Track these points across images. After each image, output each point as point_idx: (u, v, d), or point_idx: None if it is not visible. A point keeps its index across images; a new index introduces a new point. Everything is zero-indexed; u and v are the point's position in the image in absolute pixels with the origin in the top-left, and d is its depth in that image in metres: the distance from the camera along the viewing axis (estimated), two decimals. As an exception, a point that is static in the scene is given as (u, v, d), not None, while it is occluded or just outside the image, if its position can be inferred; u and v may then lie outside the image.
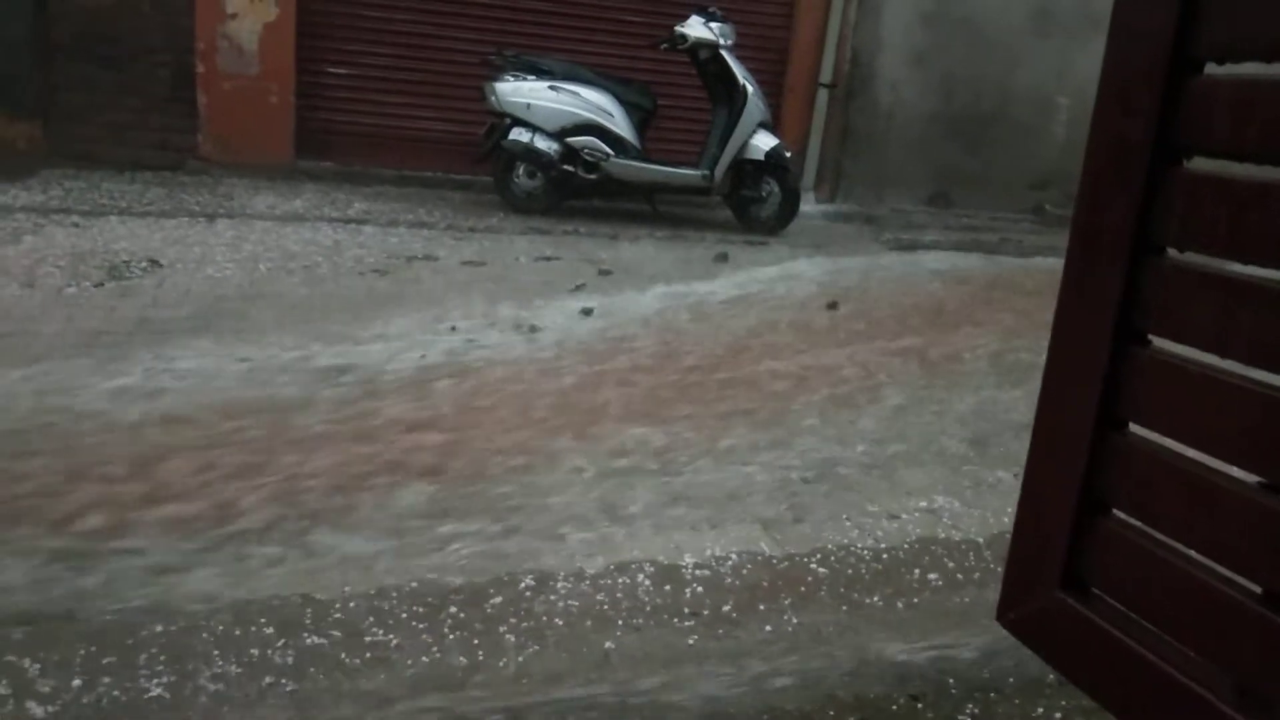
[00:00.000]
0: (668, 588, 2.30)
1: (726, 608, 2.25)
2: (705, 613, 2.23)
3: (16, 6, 5.77)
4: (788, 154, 6.18)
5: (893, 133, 7.25)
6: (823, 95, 7.19)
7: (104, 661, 1.84)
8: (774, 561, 2.46)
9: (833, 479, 2.95)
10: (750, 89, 6.00)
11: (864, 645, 2.14)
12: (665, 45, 5.98)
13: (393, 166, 6.58)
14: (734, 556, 2.46)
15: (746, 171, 6.14)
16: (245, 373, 3.27)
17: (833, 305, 4.65)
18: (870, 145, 7.25)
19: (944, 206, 7.40)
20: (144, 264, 4.32)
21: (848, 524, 2.70)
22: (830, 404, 3.52)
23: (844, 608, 2.32)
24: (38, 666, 1.80)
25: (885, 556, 2.55)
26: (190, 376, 3.20)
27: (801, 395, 3.57)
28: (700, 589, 2.31)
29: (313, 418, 2.99)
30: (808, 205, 6.87)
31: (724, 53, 5.96)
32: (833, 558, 2.50)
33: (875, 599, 2.36)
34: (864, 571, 2.47)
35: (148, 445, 2.72)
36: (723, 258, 5.47)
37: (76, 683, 1.78)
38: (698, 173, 6.05)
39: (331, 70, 6.44)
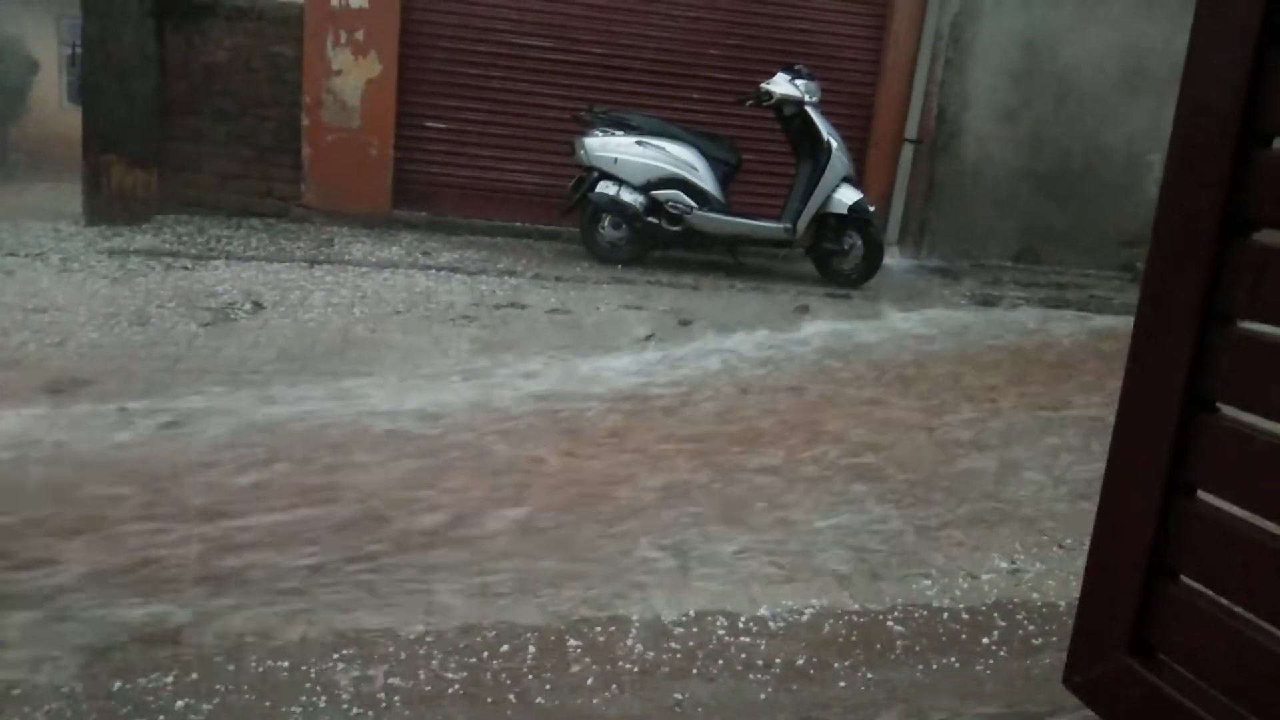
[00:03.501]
0: (743, 639, 2.32)
1: (800, 661, 2.26)
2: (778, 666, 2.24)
3: (139, 64, 6.17)
4: (871, 208, 6.20)
5: (979, 188, 7.23)
6: (908, 150, 7.21)
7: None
8: (850, 617, 2.46)
9: (909, 536, 2.93)
10: (834, 144, 6.06)
11: (937, 705, 2.13)
12: (750, 102, 6.09)
13: (484, 217, 6.80)
14: (809, 610, 2.47)
15: (829, 225, 6.18)
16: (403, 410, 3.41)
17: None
18: (956, 200, 7.23)
19: (1031, 263, 7.32)
20: (248, 306, 4.54)
21: (925, 582, 2.68)
22: (901, 461, 3.50)
23: (919, 666, 2.30)
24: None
25: (964, 616, 2.52)
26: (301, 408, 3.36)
27: (870, 451, 3.56)
28: (775, 642, 2.33)
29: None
30: (891, 259, 6.88)
31: (809, 109, 6.04)
32: (912, 615, 2.49)
33: (951, 659, 2.34)
34: (940, 631, 2.45)
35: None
36: (804, 309, 5.50)
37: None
38: (780, 225, 6.11)
39: (429, 124, 6.71)
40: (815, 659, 2.28)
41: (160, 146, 6.35)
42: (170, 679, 1.96)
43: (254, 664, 2.04)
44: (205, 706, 1.89)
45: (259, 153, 6.50)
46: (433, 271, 5.64)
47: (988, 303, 6.15)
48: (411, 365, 3.98)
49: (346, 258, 5.74)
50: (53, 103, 12.82)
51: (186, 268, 5.18)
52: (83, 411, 3.20)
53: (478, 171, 6.82)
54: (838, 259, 6.25)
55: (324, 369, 3.84)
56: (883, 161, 7.23)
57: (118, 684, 1.93)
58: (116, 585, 2.28)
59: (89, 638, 2.07)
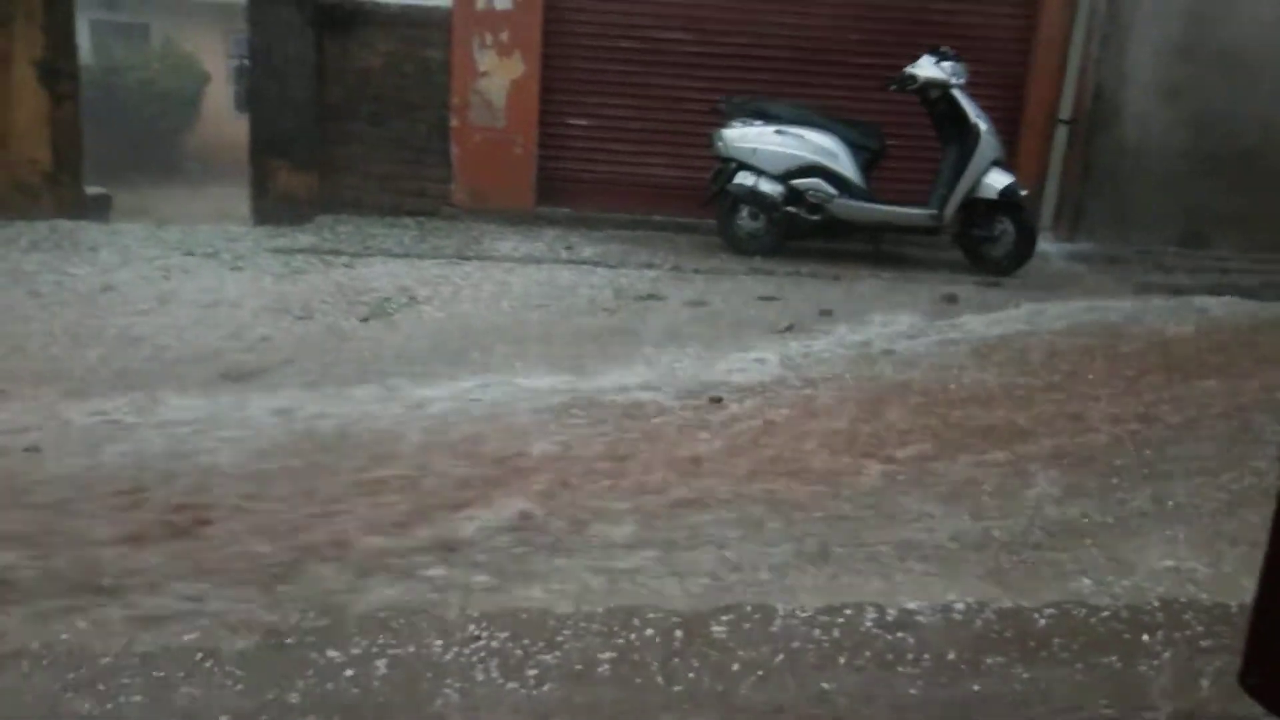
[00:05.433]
0: (892, 633, 2.29)
1: (951, 656, 2.22)
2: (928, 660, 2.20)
3: (300, 72, 6.52)
4: (1023, 192, 5.98)
5: (1139, 170, 6.86)
6: (1062, 132, 6.92)
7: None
8: (1005, 613, 2.39)
9: (1067, 532, 2.83)
10: (983, 127, 5.88)
11: (1096, 705, 2.05)
12: (894, 86, 5.96)
13: (623, 211, 6.90)
14: (962, 605, 2.41)
15: (978, 210, 6.00)
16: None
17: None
18: (1114, 183, 6.89)
19: (1197, 247, 6.91)
20: (404, 300, 4.75)
21: (1084, 580, 2.58)
22: (1061, 457, 3.37)
23: (1077, 665, 2.22)
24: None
25: (1125, 615, 2.42)
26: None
27: (1029, 446, 3.44)
28: (925, 636, 2.29)
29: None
30: (1044, 245, 6.62)
31: (955, 91, 5.88)
32: (1068, 613, 2.40)
33: (1112, 658, 2.25)
34: (1101, 630, 2.36)
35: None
36: (951, 299, 5.35)
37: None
38: (926, 212, 5.97)
39: (571, 121, 6.84)
40: (967, 655, 2.23)
41: (320, 150, 6.69)
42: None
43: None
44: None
45: (411, 154, 6.78)
46: (574, 266, 5.76)
47: (1151, 290, 5.84)
48: (559, 356, 4.07)
49: (493, 254, 5.92)
50: (222, 112, 13.66)
51: (346, 265, 5.45)
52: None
53: (617, 166, 6.91)
54: (987, 246, 6.05)
55: (476, 360, 3.97)
56: (1035, 143, 6.95)
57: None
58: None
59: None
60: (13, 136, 6.36)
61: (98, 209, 6.92)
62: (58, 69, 6.43)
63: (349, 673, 2.01)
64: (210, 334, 4.15)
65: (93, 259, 5.34)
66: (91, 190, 6.97)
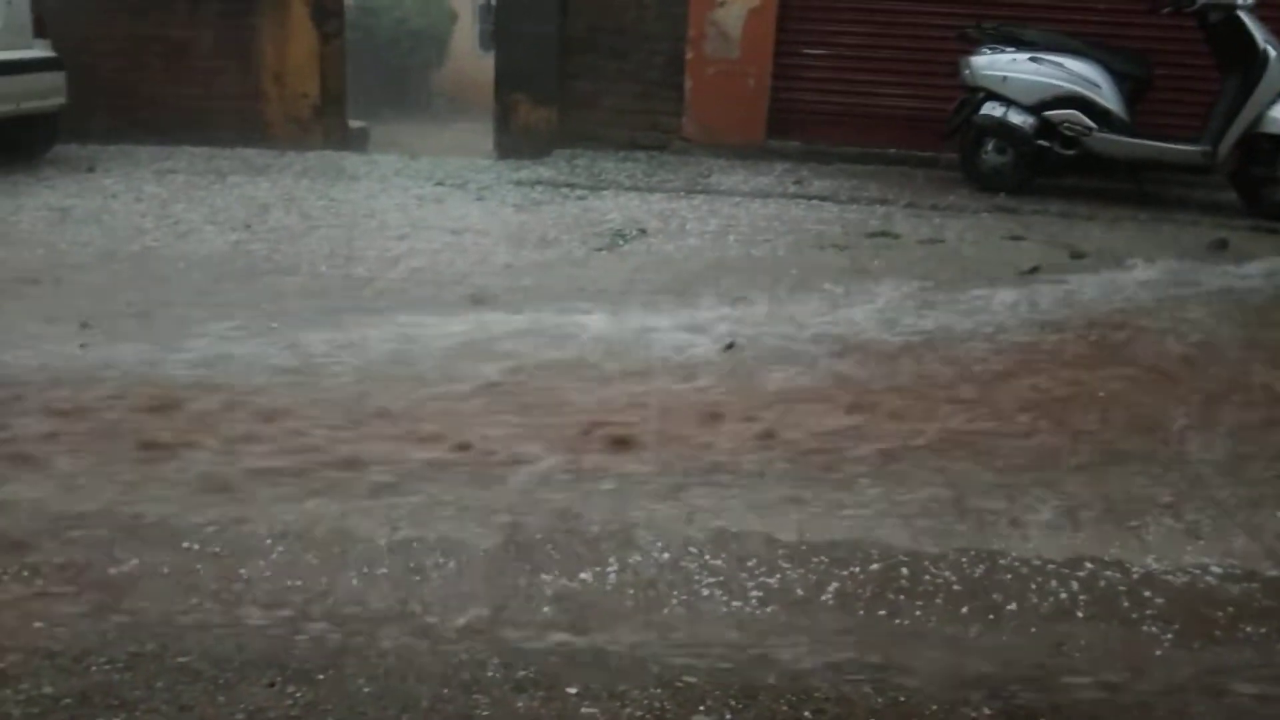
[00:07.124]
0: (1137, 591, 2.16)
1: (1203, 621, 2.07)
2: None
3: (545, 8, 6.68)
4: (1315, 128, 5.32)
5: None
6: (1370, 58, 6.07)
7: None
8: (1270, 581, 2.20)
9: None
10: (1273, 54, 5.27)
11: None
12: (1169, 9, 5.42)
13: (856, 144, 6.68)
14: (1218, 569, 2.24)
15: (1260, 147, 5.40)
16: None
17: None
18: None
19: None
20: (635, 232, 4.84)
21: (1366, 553, 2.33)
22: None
23: (1353, 645, 2.02)
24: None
25: None
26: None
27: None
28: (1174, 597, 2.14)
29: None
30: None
31: (1241, 13, 5.28)
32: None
33: (1398, 642, 2.02)
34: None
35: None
36: (1222, 244, 4.87)
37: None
38: (1197, 148, 5.44)
39: (807, 51, 6.66)
40: (1222, 620, 2.07)
41: (560, 85, 6.87)
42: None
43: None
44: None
45: (645, 87, 6.83)
46: (803, 201, 5.66)
47: None
48: (783, 292, 4.03)
49: (721, 188, 5.92)
50: (467, 50, 14.22)
51: (581, 197, 5.61)
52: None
53: (853, 98, 6.69)
54: (1268, 187, 5.45)
55: (701, 291, 3.98)
56: (1335, 72, 6.14)
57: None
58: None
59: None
60: (288, 72, 6.92)
61: (357, 141, 7.44)
62: (326, 9, 6.91)
63: (584, 576, 2.12)
64: (458, 259, 4.39)
65: (354, 186, 5.76)
66: (352, 123, 7.49)
